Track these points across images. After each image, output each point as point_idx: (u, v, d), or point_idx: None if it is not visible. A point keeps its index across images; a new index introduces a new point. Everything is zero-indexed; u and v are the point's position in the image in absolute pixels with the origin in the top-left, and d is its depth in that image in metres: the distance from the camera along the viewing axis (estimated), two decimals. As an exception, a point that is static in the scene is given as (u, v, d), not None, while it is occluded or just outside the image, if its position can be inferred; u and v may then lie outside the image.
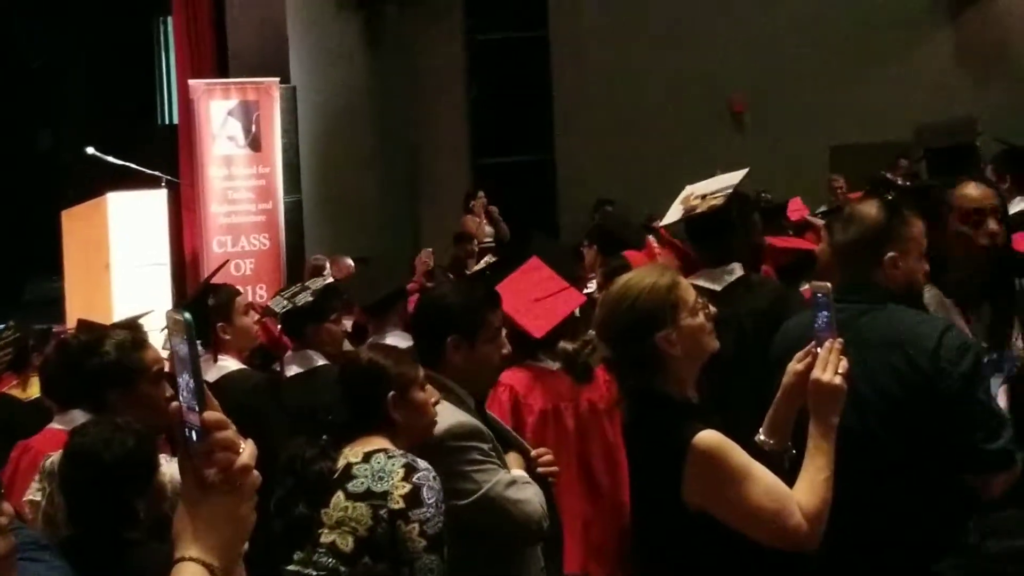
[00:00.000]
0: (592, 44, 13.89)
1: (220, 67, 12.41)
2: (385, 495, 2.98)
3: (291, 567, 3.04)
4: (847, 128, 13.08)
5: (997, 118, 10.24)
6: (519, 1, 14.28)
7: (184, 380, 1.60)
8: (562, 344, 4.31)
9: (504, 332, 3.59)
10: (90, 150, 11.22)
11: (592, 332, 3.72)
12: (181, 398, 1.60)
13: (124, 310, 8.42)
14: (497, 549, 3.33)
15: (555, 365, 4.33)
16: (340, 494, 3.02)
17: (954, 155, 6.78)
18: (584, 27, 13.97)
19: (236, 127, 11.39)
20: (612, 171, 13.39)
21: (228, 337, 4.71)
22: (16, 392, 5.99)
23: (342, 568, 2.98)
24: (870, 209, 3.21)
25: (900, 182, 8.20)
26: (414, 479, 2.99)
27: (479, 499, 3.23)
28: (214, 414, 1.59)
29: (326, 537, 3.00)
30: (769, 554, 2.67)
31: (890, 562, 2.97)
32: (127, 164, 11.18)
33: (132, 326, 3.88)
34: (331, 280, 5.75)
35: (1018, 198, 6.05)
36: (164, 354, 3.75)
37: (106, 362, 3.56)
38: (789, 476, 2.72)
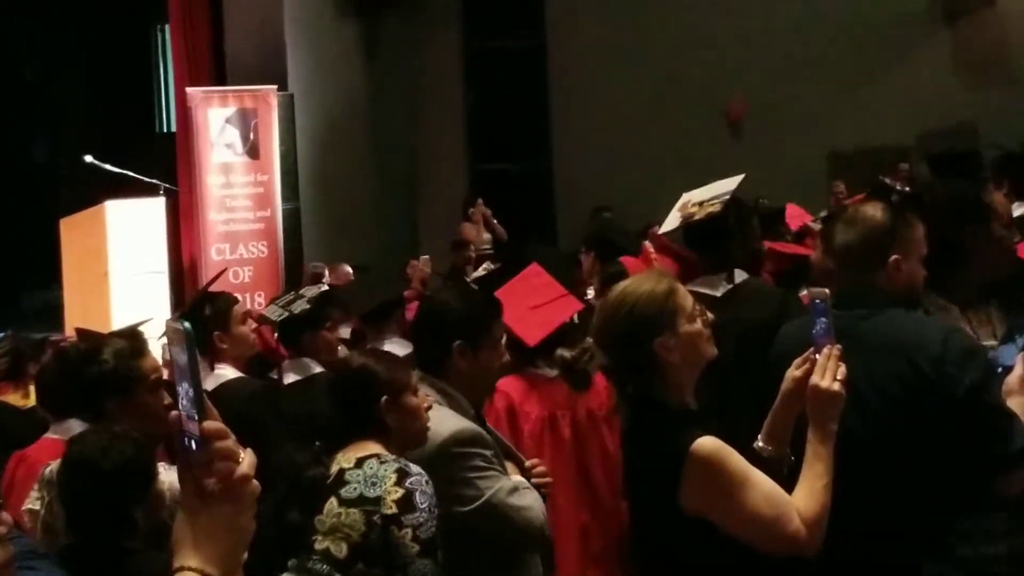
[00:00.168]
0: (589, 51, 13.90)
1: (218, 75, 12.41)
2: (378, 500, 2.97)
3: (285, 575, 3.04)
4: (845, 133, 13.09)
5: (995, 123, 10.25)
6: (517, 9, 14.29)
7: (183, 389, 1.59)
8: (560, 351, 4.31)
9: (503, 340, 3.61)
10: (88, 158, 11.20)
11: (590, 339, 3.72)
12: (180, 407, 1.60)
13: (123, 318, 8.40)
14: (498, 556, 3.34)
15: (553, 373, 4.33)
16: (333, 500, 3.02)
17: (958, 161, 6.78)
18: (581, 34, 13.98)
19: (234, 135, 11.38)
20: (610, 177, 13.39)
21: (225, 346, 4.68)
22: (15, 401, 5.98)
23: (336, 574, 2.98)
24: (874, 211, 3.20)
25: (899, 187, 8.20)
26: (407, 484, 2.99)
27: (482, 505, 3.23)
28: (214, 424, 1.59)
29: (320, 544, 3.00)
30: (767, 560, 2.67)
31: (888, 565, 2.97)
32: (125, 172, 11.17)
33: (131, 334, 3.87)
34: (326, 288, 5.74)
35: (1016, 204, 6.04)
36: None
37: (104, 370, 3.55)
38: (788, 482, 2.72)
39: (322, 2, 13.06)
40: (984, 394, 2.93)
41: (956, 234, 4.09)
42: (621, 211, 11.94)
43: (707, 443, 2.64)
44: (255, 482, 1.61)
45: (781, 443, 2.85)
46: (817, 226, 6.22)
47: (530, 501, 3.32)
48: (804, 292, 4.64)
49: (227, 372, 4.66)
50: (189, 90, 11.61)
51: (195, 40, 12.36)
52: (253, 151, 11.42)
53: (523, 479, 3.41)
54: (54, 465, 3.17)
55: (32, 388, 5.60)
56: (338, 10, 13.26)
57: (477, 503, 3.23)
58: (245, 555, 1.64)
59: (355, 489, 3.01)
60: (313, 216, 12.24)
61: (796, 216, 6.74)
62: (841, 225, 3.25)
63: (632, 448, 2.90)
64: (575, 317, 4.45)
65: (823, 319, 2.79)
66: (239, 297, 5.41)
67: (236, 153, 11.41)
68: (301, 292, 5.14)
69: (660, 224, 4.90)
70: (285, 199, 11.58)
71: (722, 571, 2.71)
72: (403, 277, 9.36)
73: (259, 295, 10.86)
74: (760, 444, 2.85)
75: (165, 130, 15.50)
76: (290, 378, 4.89)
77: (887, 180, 8.10)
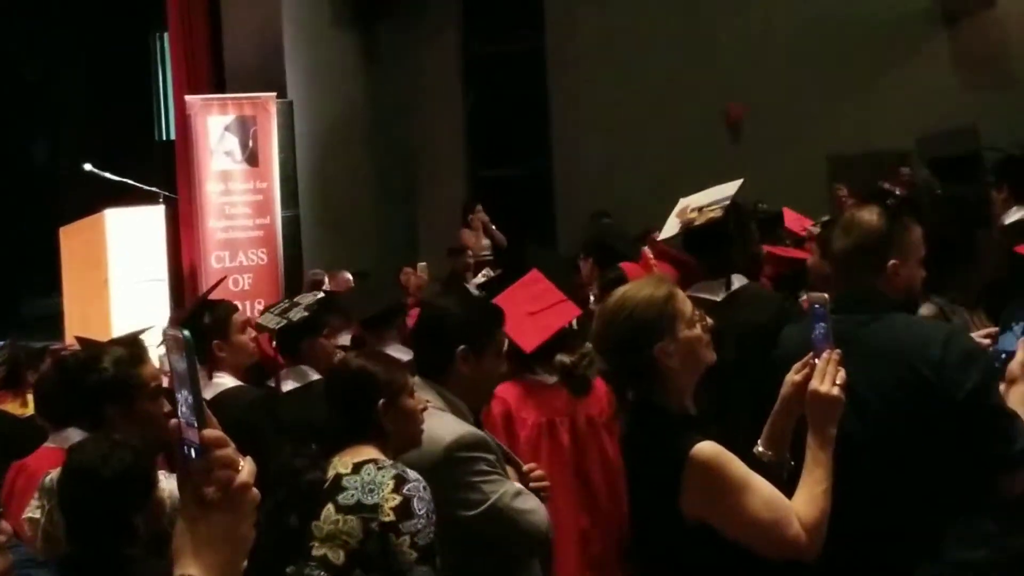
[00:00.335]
0: (588, 56, 13.91)
1: (217, 82, 12.43)
2: (376, 508, 2.97)
3: (282, 581, 3.03)
4: (845, 136, 13.09)
5: (994, 125, 10.24)
6: (515, 14, 14.30)
7: (183, 396, 1.59)
8: (559, 356, 4.30)
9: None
10: (87, 167, 11.22)
11: (589, 344, 3.72)
12: (180, 415, 1.60)
13: (123, 326, 8.41)
14: (501, 560, 3.34)
15: (552, 379, 4.32)
16: (330, 507, 3.01)
17: (959, 164, 6.78)
18: (581, 38, 13.98)
19: (233, 142, 11.39)
20: (609, 182, 13.39)
21: (224, 354, 4.66)
22: (14, 410, 5.98)
23: (334, 581, 2.97)
24: (871, 216, 3.20)
25: (898, 191, 8.20)
26: (404, 490, 2.98)
27: (487, 509, 3.24)
28: (213, 432, 1.59)
29: (317, 550, 2.99)
30: (768, 565, 2.67)
31: (885, 568, 2.97)
32: (124, 180, 11.18)
33: (130, 342, 3.86)
34: (322, 294, 5.74)
35: (1015, 207, 6.05)
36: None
37: (104, 378, 3.54)
38: (787, 487, 2.72)
39: (320, 9, 13.08)
40: (985, 396, 2.93)
41: (961, 237, 4.10)
42: (621, 215, 11.91)
43: (707, 448, 2.64)
44: (255, 490, 1.61)
45: (781, 448, 2.85)
46: (816, 230, 6.22)
47: (533, 505, 3.33)
48: (804, 297, 4.64)
49: (226, 381, 4.64)
50: (188, 98, 11.62)
51: (194, 48, 12.38)
52: (252, 158, 11.43)
53: (521, 485, 3.42)
54: (54, 473, 3.17)
55: (30, 397, 5.61)
56: (336, 17, 13.27)
57: (482, 507, 3.24)
58: (245, 563, 1.64)
59: (352, 496, 3.00)
60: (312, 223, 12.25)
61: (794, 220, 6.73)
62: (838, 230, 3.25)
63: (632, 453, 2.90)
64: (574, 323, 4.45)
65: (822, 323, 2.79)
66: (239, 305, 5.39)
67: (235, 160, 11.42)
68: (296, 300, 5.13)
69: (659, 229, 4.90)
70: (284, 206, 11.59)
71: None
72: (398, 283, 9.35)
73: (259, 302, 10.85)
74: (760, 449, 2.86)
75: (164, 138, 15.50)
76: (288, 386, 4.88)
77: (886, 184, 8.11)
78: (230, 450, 1.59)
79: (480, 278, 7.44)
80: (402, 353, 4.89)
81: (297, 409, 4.56)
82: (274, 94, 11.61)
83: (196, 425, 1.57)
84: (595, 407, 4.33)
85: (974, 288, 3.91)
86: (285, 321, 4.88)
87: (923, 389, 2.93)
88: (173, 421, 1.61)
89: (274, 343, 5.04)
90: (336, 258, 11.32)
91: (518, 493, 3.31)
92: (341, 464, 3.07)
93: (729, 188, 4.46)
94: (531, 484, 3.47)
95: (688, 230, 4.38)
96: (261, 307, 10.32)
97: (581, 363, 4.26)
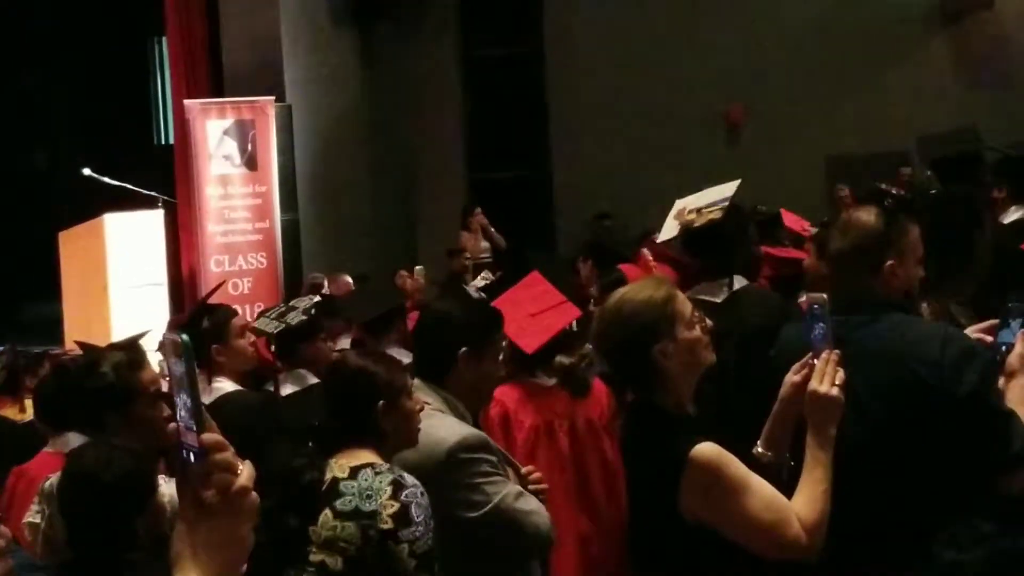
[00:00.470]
0: (587, 58, 13.91)
1: (215, 87, 12.43)
2: (374, 515, 2.94)
3: (282, 587, 3.02)
4: (844, 137, 13.10)
5: (993, 125, 10.24)
6: (514, 17, 14.29)
7: (182, 400, 1.59)
8: (559, 357, 4.31)
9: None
10: (86, 171, 11.22)
11: (589, 345, 3.73)
12: (179, 418, 1.60)
13: (122, 330, 8.40)
14: (502, 562, 3.34)
15: (551, 381, 4.33)
16: (328, 512, 2.99)
17: (960, 164, 6.78)
18: (579, 42, 13.99)
19: (232, 146, 11.40)
20: (609, 185, 13.39)
21: (223, 359, 4.64)
22: (12, 415, 5.98)
23: (332, 587, 2.95)
24: (868, 216, 3.19)
25: (895, 191, 8.19)
26: (402, 497, 2.96)
27: (490, 511, 3.24)
28: (213, 435, 1.59)
29: (315, 556, 2.97)
30: (767, 565, 2.67)
31: (881, 568, 2.97)
32: (123, 185, 11.19)
33: (129, 346, 3.86)
34: (317, 298, 5.74)
35: (1013, 207, 6.04)
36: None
37: (103, 383, 3.54)
38: (787, 488, 2.72)
39: (319, 13, 13.08)
40: (983, 396, 2.92)
41: (956, 236, 4.10)
42: (620, 218, 11.94)
43: (706, 449, 2.64)
44: (254, 494, 1.61)
45: (780, 448, 2.85)
46: (814, 230, 6.22)
47: (535, 505, 3.34)
48: (803, 298, 4.64)
49: (225, 385, 4.64)
50: (187, 102, 11.63)
51: (192, 52, 12.38)
52: (251, 162, 11.44)
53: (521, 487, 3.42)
54: (54, 478, 3.16)
55: (28, 402, 5.61)
56: (335, 20, 13.27)
57: (486, 508, 3.24)
58: (244, 566, 1.64)
59: (350, 502, 2.98)
60: (312, 226, 12.25)
61: (793, 222, 6.73)
62: (836, 231, 3.25)
63: (631, 455, 2.90)
64: (574, 324, 4.45)
65: (821, 324, 2.79)
66: (238, 309, 5.39)
67: (234, 164, 11.43)
68: (292, 303, 5.14)
69: (658, 231, 4.90)
70: (284, 210, 11.59)
71: (722, 576, 2.72)
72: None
73: (258, 306, 10.82)
74: (759, 450, 2.86)
75: (163, 142, 15.53)
76: (287, 389, 4.88)
77: (883, 185, 8.11)
78: (229, 454, 1.59)
79: (480, 281, 7.44)
80: (402, 356, 4.90)
81: (297, 413, 4.57)
82: (273, 98, 11.62)
83: (195, 429, 1.57)
84: (595, 409, 4.33)
85: (970, 288, 3.90)
86: (283, 325, 4.88)
87: (921, 389, 2.92)
88: (172, 425, 1.61)
89: (272, 347, 5.04)
90: (336, 261, 11.31)
91: (520, 494, 3.31)
92: (338, 468, 3.05)
93: (727, 189, 4.46)
94: (529, 487, 3.47)
95: (688, 231, 4.38)
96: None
97: (580, 364, 4.26)
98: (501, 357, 3.61)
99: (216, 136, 11.34)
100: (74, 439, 3.63)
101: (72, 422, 3.79)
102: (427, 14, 14.30)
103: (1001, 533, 2.93)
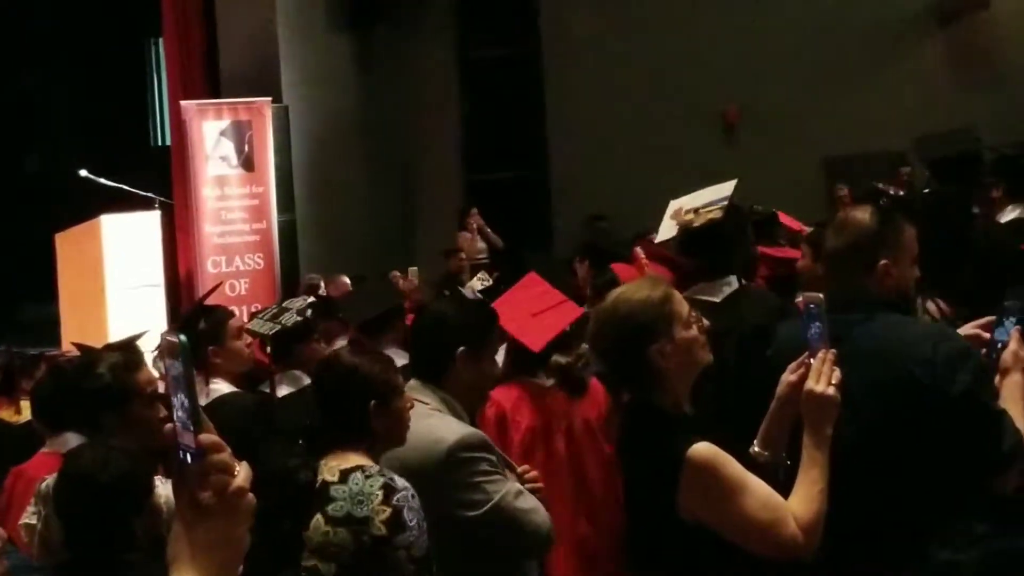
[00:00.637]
0: (584, 59, 13.92)
1: (212, 88, 12.43)
2: (366, 520, 2.92)
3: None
4: (841, 138, 13.10)
5: (989, 125, 10.25)
6: (511, 18, 14.29)
7: (179, 401, 1.59)
8: (556, 357, 4.31)
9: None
10: (83, 172, 11.20)
11: (585, 345, 3.73)
12: (176, 419, 1.59)
13: (119, 332, 8.40)
14: (501, 561, 3.34)
15: (549, 382, 4.33)
16: (320, 518, 2.96)
17: (958, 164, 6.79)
18: (576, 43, 13.99)
19: (229, 147, 11.40)
20: (605, 186, 13.40)
21: (220, 360, 4.63)
22: (8, 416, 5.98)
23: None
24: (863, 215, 3.19)
25: (892, 191, 8.20)
26: (394, 501, 2.93)
27: (491, 510, 3.24)
28: (209, 436, 1.58)
29: (307, 561, 2.95)
30: (765, 565, 2.67)
31: (877, 568, 2.97)
32: (120, 186, 11.17)
33: (126, 347, 3.86)
34: (312, 299, 5.74)
35: (1010, 207, 6.06)
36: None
37: (100, 384, 3.54)
38: (784, 487, 2.72)
39: (316, 14, 13.08)
40: (977, 396, 2.92)
41: (950, 236, 4.11)
42: (618, 218, 11.95)
43: (703, 449, 2.64)
44: (250, 495, 1.61)
45: (777, 448, 2.85)
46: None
47: (535, 504, 3.34)
48: (799, 298, 4.63)
49: (221, 387, 4.63)
50: (183, 103, 11.62)
51: (189, 53, 12.38)
52: (248, 163, 11.43)
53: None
54: (50, 479, 3.16)
55: (24, 404, 5.61)
56: (332, 22, 13.27)
57: (487, 507, 3.24)
58: (240, 567, 1.64)
59: (342, 507, 2.95)
60: (309, 228, 12.25)
61: (789, 223, 6.74)
62: (831, 230, 3.25)
63: (628, 454, 2.90)
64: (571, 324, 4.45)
65: (817, 323, 2.79)
66: (235, 311, 5.38)
67: (231, 166, 11.43)
68: (286, 304, 5.13)
69: (654, 231, 4.89)
70: (280, 211, 11.59)
71: (719, 576, 2.71)
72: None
73: (255, 307, 10.84)
74: (756, 449, 2.85)
75: (160, 143, 15.52)
76: (283, 391, 4.88)
77: (880, 184, 8.12)
78: (226, 454, 1.59)
79: (477, 282, 7.44)
80: (399, 356, 4.89)
81: (292, 414, 4.56)
82: (269, 99, 11.62)
83: (192, 429, 1.57)
84: (592, 410, 4.33)
85: (964, 287, 3.90)
86: (278, 326, 4.87)
87: (915, 389, 2.92)
88: (169, 426, 1.60)
89: (267, 348, 5.03)
90: (333, 262, 11.31)
91: (520, 493, 3.32)
92: (328, 471, 3.01)
93: (724, 189, 4.45)
94: (526, 487, 3.47)
95: (687, 231, 4.38)
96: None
97: (576, 363, 4.27)
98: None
99: (213, 137, 11.34)
100: (72, 439, 3.63)
101: (69, 422, 3.79)
102: (425, 15, 14.31)
103: (996, 533, 2.93)
